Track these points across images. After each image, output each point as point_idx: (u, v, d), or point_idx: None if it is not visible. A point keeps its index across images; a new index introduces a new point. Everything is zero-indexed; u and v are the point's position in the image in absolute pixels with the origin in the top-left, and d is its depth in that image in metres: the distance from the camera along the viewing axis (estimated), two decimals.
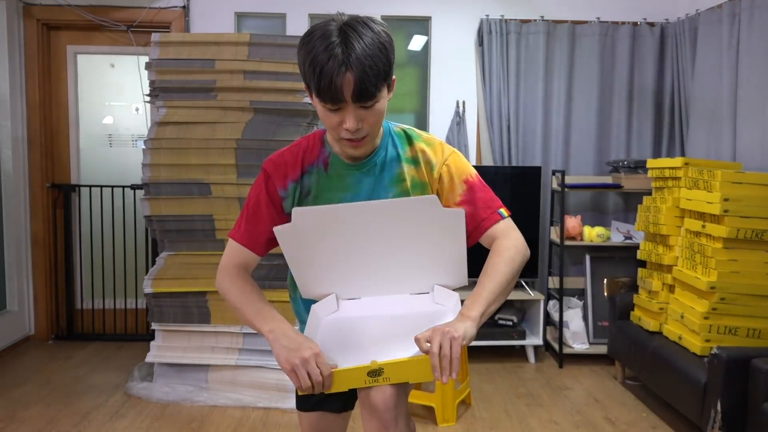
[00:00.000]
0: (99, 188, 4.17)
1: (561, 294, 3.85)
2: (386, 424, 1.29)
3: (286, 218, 1.40)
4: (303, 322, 1.58)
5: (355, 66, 1.20)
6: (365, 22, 1.25)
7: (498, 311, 4.07)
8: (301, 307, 1.58)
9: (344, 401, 1.58)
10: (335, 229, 1.34)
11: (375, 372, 1.21)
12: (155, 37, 3.27)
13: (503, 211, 1.42)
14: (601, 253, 4.06)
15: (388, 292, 1.44)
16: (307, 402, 1.58)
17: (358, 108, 1.25)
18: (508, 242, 1.38)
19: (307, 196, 1.42)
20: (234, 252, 1.44)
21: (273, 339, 1.29)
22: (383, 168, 1.40)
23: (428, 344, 1.19)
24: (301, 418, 1.62)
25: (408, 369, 1.23)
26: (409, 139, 1.44)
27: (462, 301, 1.35)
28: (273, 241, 1.42)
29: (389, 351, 1.28)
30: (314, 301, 1.46)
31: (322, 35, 1.23)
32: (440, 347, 1.17)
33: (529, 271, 3.96)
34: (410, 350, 1.26)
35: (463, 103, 4.12)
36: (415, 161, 1.42)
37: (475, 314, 1.26)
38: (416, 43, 4.25)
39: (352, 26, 1.23)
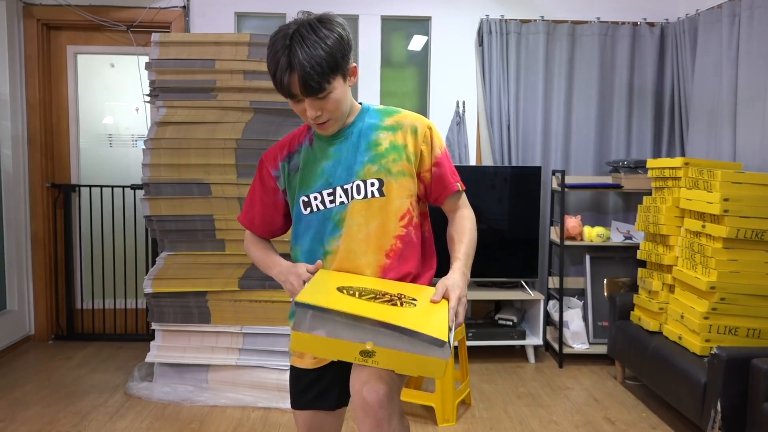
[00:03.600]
0: (99, 188, 4.17)
1: (561, 294, 3.85)
2: (380, 422, 1.31)
3: (279, 197, 1.65)
4: None
5: (298, 67, 1.39)
6: (314, 27, 1.42)
7: (498, 311, 4.08)
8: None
9: (338, 398, 1.61)
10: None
11: (367, 353, 1.24)
12: (155, 37, 3.27)
13: (460, 185, 1.65)
14: (601, 253, 4.06)
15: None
16: (301, 400, 1.63)
17: (313, 100, 1.45)
18: (468, 212, 1.65)
19: (297, 171, 1.61)
20: (246, 234, 1.75)
21: (277, 276, 1.57)
22: (360, 136, 1.57)
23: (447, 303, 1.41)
24: (296, 417, 1.65)
25: (399, 360, 1.25)
26: (388, 113, 1.62)
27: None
28: (270, 224, 1.68)
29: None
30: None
31: (277, 40, 1.44)
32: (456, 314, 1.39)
33: (529, 271, 3.97)
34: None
35: (463, 103, 4.12)
36: (393, 128, 1.58)
37: (468, 269, 1.54)
38: (416, 43, 4.25)
39: (300, 32, 1.41)
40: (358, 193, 1.54)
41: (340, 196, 1.55)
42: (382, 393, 1.30)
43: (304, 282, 1.45)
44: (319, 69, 1.39)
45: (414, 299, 1.41)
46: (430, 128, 1.61)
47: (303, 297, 1.30)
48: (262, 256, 1.65)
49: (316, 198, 1.57)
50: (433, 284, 1.57)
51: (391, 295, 1.39)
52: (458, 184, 1.63)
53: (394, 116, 1.61)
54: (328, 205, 1.56)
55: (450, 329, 1.31)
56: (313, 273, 1.49)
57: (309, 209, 1.58)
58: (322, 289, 1.38)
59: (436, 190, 1.62)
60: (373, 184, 1.54)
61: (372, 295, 1.37)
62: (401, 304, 1.35)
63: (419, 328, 1.25)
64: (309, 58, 1.39)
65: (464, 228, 1.60)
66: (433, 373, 1.24)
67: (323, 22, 1.44)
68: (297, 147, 1.63)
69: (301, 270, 1.50)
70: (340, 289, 1.38)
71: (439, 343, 1.23)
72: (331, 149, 1.58)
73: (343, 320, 1.25)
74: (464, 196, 1.67)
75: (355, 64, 1.52)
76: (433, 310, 1.37)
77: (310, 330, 1.26)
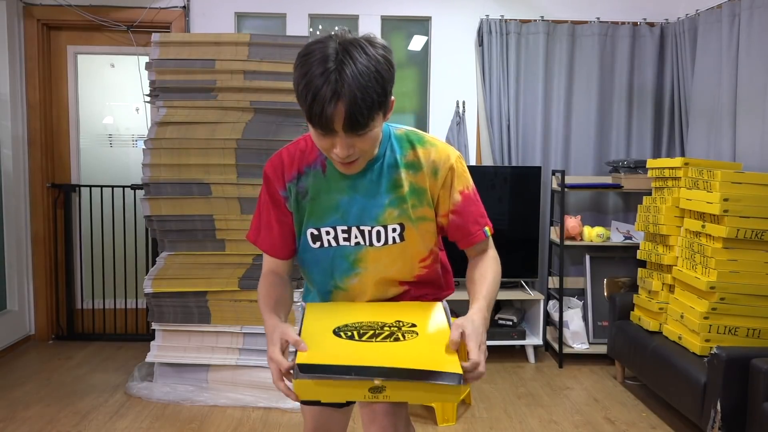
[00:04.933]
0: (99, 188, 4.17)
1: (561, 294, 3.85)
2: (386, 429, 1.29)
3: (290, 217, 1.46)
4: None
5: (347, 97, 1.16)
6: (363, 47, 1.20)
7: (498, 311, 4.08)
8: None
9: None
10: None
11: (377, 389, 1.16)
12: (155, 37, 3.27)
13: (488, 229, 1.48)
14: (601, 253, 4.06)
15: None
16: None
17: (350, 137, 1.24)
18: (492, 253, 1.48)
19: (305, 197, 1.44)
20: (265, 257, 1.52)
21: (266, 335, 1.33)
22: (381, 173, 1.40)
23: (468, 358, 1.21)
24: (304, 411, 1.65)
25: (411, 392, 1.17)
26: (410, 143, 1.43)
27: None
28: (292, 243, 1.49)
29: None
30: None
31: (319, 59, 1.19)
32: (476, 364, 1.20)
33: (529, 271, 3.97)
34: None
35: (463, 103, 4.12)
36: (415, 166, 1.42)
37: (488, 313, 1.34)
38: (416, 43, 4.25)
39: (348, 51, 1.18)
40: (378, 239, 1.42)
41: (356, 237, 1.43)
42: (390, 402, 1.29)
43: (289, 370, 1.22)
44: (369, 102, 1.17)
45: (413, 325, 1.32)
46: (452, 169, 1.42)
47: (301, 358, 1.19)
48: (265, 305, 1.43)
49: (328, 233, 1.43)
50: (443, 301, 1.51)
51: (389, 326, 1.31)
52: (485, 229, 1.47)
53: (416, 149, 1.42)
54: (342, 243, 1.44)
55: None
56: (292, 351, 1.26)
57: (319, 243, 1.45)
58: (318, 338, 1.26)
59: (455, 235, 1.48)
60: (394, 230, 1.42)
61: (371, 332, 1.28)
62: (403, 336, 1.27)
63: (432, 366, 1.16)
64: (360, 87, 1.16)
65: (488, 270, 1.44)
66: (447, 399, 1.18)
67: (371, 42, 1.22)
68: (306, 169, 1.43)
69: (278, 357, 1.24)
70: (336, 333, 1.28)
71: (457, 379, 1.15)
72: (346, 182, 1.40)
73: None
74: (490, 240, 1.50)
75: (394, 98, 1.30)
76: (438, 336, 1.28)
77: (314, 377, 1.18)
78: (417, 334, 1.27)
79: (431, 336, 1.27)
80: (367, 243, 1.43)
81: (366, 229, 1.41)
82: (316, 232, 1.44)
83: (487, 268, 1.43)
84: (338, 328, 1.29)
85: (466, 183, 1.45)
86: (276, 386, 1.23)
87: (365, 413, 1.32)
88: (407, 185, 1.41)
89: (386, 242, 1.42)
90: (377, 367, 1.14)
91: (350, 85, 1.16)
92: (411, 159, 1.41)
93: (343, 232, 1.42)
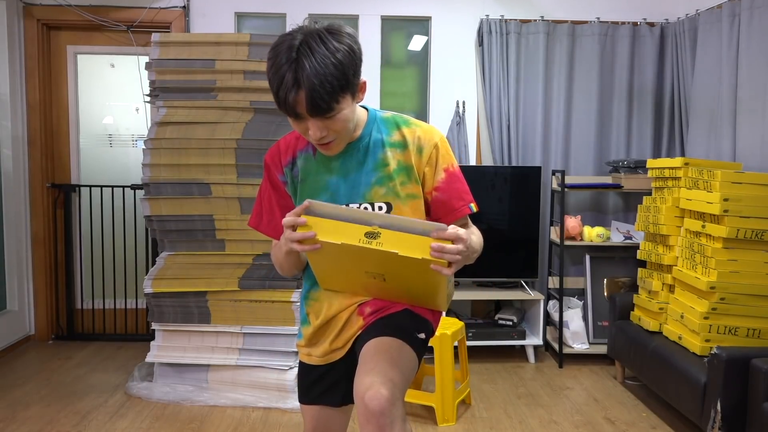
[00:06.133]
0: (99, 188, 4.17)
1: (561, 294, 3.85)
2: (383, 428, 1.29)
3: (290, 201, 1.55)
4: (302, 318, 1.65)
5: (306, 84, 1.26)
6: (323, 38, 1.29)
7: (498, 311, 4.08)
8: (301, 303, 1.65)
9: (344, 395, 1.61)
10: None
11: (372, 234, 1.26)
12: (155, 37, 3.27)
13: (473, 206, 1.53)
14: (601, 253, 4.06)
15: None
16: (308, 395, 1.63)
17: (319, 120, 1.32)
18: (476, 229, 1.53)
19: (299, 180, 1.52)
20: (273, 241, 1.58)
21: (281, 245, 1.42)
22: (367, 152, 1.48)
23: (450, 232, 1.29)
24: (303, 411, 1.66)
25: (403, 241, 1.27)
26: (396, 125, 1.50)
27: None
28: None
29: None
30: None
31: (285, 49, 1.29)
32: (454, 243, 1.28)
33: (529, 271, 3.97)
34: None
35: (463, 103, 4.12)
36: (401, 145, 1.48)
37: (475, 247, 1.43)
38: (416, 43, 4.25)
39: (308, 44, 1.27)
40: None
41: None
42: (384, 400, 1.28)
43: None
44: (329, 87, 1.27)
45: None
46: (436, 147, 1.49)
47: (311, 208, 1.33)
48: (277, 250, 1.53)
49: None
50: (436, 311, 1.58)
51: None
52: (471, 205, 1.52)
53: (401, 129, 1.50)
54: None
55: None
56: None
57: None
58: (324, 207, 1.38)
59: (438, 211, 1.51)
60: (381, 208, 1.47)
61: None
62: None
63: (424, 225, 1.28)
64: (318, 74, 1.26)
65: (473, 234, 1.47)
66: (429, 281, 1.29)
67: (333, 33, 1.31)
68: (299, 153, 1.53)
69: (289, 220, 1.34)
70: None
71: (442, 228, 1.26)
72: (335, 163, 1.48)
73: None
74: (470, 219, 1.56)
75: (364, 80, 1.41)
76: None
77: (320, 216, 1.31)
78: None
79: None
80: None
81: (354, 206, 1.46)
82: None
83: (470, 234, 1.46)
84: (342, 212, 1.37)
85: (450, 161, 1.51)
86: (287, 237, 1.32)
87: (361, 416, 1.32)
88: (394, 163, 1.47)
89: None
90: (378, 214, 1.31)
91: (308, 74, 1.26)
92: (397, 138, 1.49)
93: None
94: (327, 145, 1.40)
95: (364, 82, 1.41)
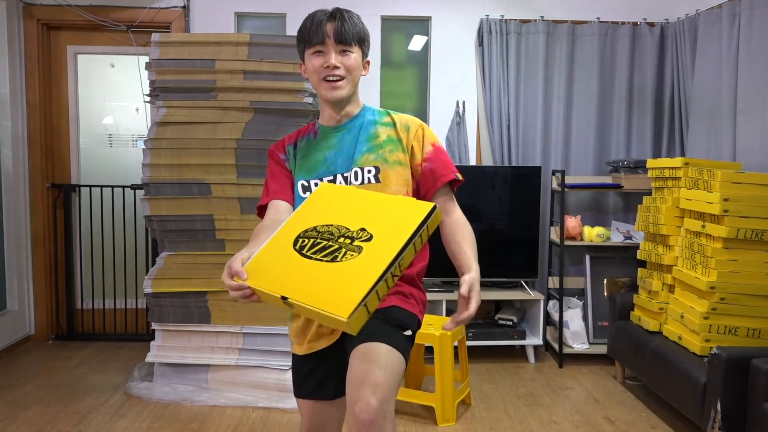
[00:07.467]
0: (99, 188, 4.17)
1: (561, 294, 3.85)
2: (369, 429, 1.33)
3: (292, 175, 1.71)
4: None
5: (338, 18, 1.59)
6: (350, 11, 1.65)
7: (498, 311, 4.08)
8: None
9: (335, 389, 1.66)
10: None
11: (287, 302, 1.33)
12: (155, 37, 3.27)
13: (459, 175, 1.66)
14: (601, 253, 4.06)
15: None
16: (301, 389, 1.71)
17: (337, 50, 1.60)
18: (463, 216, 1.65)
19: (299, 156, 1.70)
20: (268, 212, 1.69)
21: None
22: (360, 129, 1.68)
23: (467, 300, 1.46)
24: (299, 404, 1.72)
25: (312, 315, 1.34)
26: (387, 112, 1.73)
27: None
28: (293, 191, 1.71)
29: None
30: None
31: (317, 12, 1.62)
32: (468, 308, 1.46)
33: (529, 271, 3.97)
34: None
35: (463, 103, 4.12)
36: (391, 124, 1.69)
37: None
38: (416, 43, 4.25)
39: (340, 9, 1.63)
40: (356, 179, 1.61)
41: (340, 182, 1.63)
42: (373, 411, 1.33)
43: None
44: (355, 27, 1.61)
45: (370, 238, 1.39)
46: (422, 127, 1.69)
47: (248, 266, 1.41)
48: (254, 237, 1.61)
49: (316, 184, 1.64)
50: (420, 275, 1.68)
51: (346, 236, 1.40)
52: (457, 174, 1.65)
53: (390, 115, 1.72)
54: None
55: (372, 290, 1.28)
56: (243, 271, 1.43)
57: (308, 193, 1.64)
58: (275, 251, 1.44)
59: (426, 181, 1.65)
60: (369, 171, 1.62)
61: (323, 243, 1.40)
62: (343, 256, 1.35)
63: (324, 306, 1.27)
64: (349, 17, 1.61)
65: (466, 232, 1.60)
66: (344, 329, 1.28)
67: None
68: (301, 138, 1.74)
69: (235, 265, 1.41)
70: (297, 239, 1.44)
71: (340, 320, 1.25)
72: (333, 140, 1.68)
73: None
74: (453, 194, 1.69)
75: (369, 60, 1.72)
76: (378, 253, 1.34)
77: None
78: (361, 250, 1.36)
79: (371, 254, 1.34)
80: (348, 184, 1.63)
81: (347, 174, 1.63)
82: (306, 184, 1.66)
83: (466, 230, 1.61)
84: (306, 231, 1.45)
85: (435, 139, 1.71)
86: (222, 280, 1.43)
87: (350, 423, 1.36)
88: (384, 136, 1.67)
89: (363, 182, 1.61)
90: (286, 297, 1.34)
91: (342, 14, 1.61)
92: (387, 120, 1.71)
93: (329, 181, 1.64)
94: (335, 84, 1.61)
95: (369, 61, 1.71)
